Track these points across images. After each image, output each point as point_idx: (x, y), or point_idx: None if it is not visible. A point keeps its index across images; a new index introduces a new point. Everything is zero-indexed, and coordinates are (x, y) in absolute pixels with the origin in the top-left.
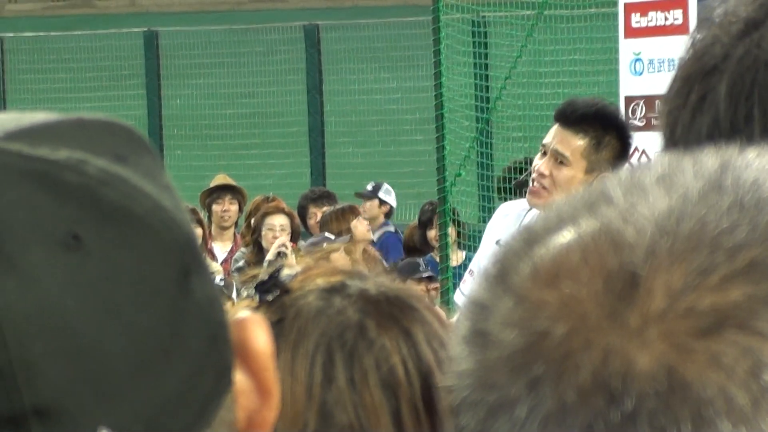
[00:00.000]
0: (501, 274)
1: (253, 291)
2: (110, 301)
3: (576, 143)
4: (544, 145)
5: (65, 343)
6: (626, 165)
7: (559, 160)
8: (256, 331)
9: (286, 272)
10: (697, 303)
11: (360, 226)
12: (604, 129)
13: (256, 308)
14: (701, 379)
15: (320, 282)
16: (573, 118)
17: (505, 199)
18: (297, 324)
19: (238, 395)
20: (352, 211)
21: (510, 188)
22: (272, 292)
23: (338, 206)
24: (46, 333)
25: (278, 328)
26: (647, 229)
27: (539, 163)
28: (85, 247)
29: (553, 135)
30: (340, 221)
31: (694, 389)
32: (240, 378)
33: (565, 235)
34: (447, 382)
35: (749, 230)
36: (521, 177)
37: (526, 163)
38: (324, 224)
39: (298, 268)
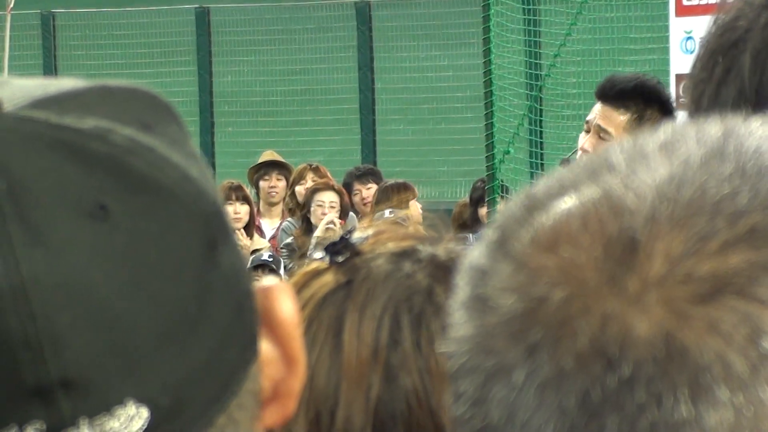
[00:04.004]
0: (501, 240)
1: (324, 252)
2: (137, 272)
3: (618, 119)
4: (587, 122)
5: (92, 315)
6: None
7: (602, 135)
8: (282, 300)
9: (357, 235)
10: (697, 269)
11: (414, 207)
12: (645, 103)
13: (326, 269)
14: (699, 345)
15: (391, 246)
16: (613, 93)
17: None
18: (366, 286)
19: (264, 365)
20: (407, 188)
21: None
22: (343, 254)
23: (392, 182)
24: (73, 304)
25: (347, 289)
26: (648, 196)
27: (583, 141)
28: (111, 218)
29: (596, 111)
30: (394, 196)
31: (692, 355)
32: (266, 347)
33: (566, 202)
34: (446, 348)
35: (750, 197)
36: (568, 155)
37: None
38: (378, 201)
39: (369, 232)
